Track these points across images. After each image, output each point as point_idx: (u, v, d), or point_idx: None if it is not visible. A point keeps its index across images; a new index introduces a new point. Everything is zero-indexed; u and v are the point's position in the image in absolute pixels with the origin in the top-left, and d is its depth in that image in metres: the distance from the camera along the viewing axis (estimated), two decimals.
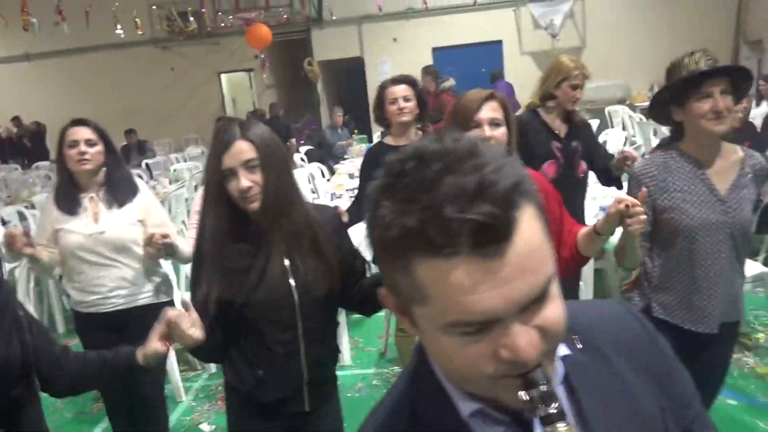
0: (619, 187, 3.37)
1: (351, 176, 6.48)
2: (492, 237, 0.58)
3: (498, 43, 12.97)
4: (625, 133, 8.83)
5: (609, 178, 3.28)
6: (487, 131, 1.83)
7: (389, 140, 3.18)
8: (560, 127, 3.11)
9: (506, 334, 0.61)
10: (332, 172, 7.82)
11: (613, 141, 7.77)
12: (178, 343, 1.56)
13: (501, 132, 1.86)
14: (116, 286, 2.59)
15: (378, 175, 0.64)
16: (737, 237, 2.02)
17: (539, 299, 0.62)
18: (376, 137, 9.43)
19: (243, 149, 1.63)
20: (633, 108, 10.72)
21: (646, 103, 9.61)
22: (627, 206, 1.67)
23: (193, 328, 1.55)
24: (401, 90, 3.03)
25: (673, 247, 2.06)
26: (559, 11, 12.19)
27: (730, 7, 12.42)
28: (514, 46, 12.92)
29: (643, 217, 1.69)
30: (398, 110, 3.02)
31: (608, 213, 1.73)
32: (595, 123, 9.02)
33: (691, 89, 1.95)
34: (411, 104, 3.03)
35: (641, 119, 9.09)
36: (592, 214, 4.06)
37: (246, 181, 1.63)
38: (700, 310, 2.06)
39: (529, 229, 0.61)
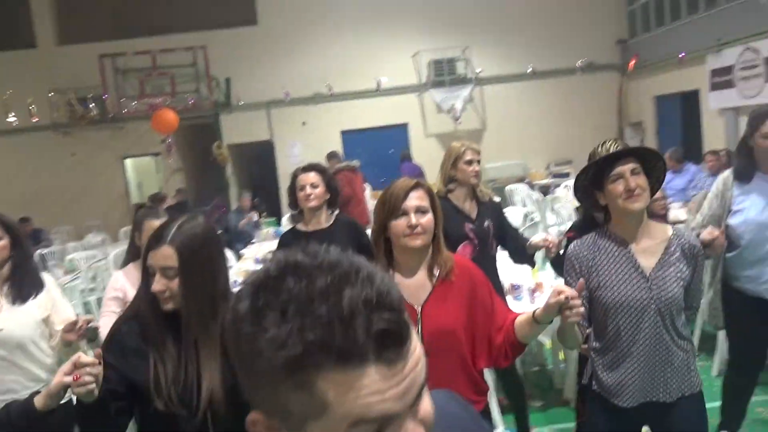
0: (532, 265, 3.51)
1: (257, 261, 6.37)
2: (395, 341, 0.62)
3: (404, 126, 13.47)
4: (525, 210, 9.23)
5: (521, 257, 3.40)
6: (414, 219, 1.91)
7: (300, 226, 3.32)
8: (471, 209, 3.25)
9: (402, 430, 0.64)
10: (239, 257, 7.68)
11: (513, 218, 8.09)
12: (75, 390, 1.53)
13: (428, 219, 1.94)
14: (7, 390, 2.40)
15: (242, 295, 0.63)
16: (665, 313, 2.08)
17: (421, 391, 0.66)
18: (285, 220, 9.41)
19: (166, 255, 1.67)
20: (531, 186, 11.29)
21: (544, 181, 10.24)
22: (566, 298, 1.72)
23: (94, 383, 1.52)
24: (309, 177, 3.21)
25: (604, 323, 2.16)
26: (459, 96, 12.86)
27: (613, 93, 13.56)
28: (420, 128, 13.46)
29: (581, 309, 1.76)
30: (305, 197, 3.18)
31: (548, 303, 1.78)
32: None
33: (605, 173, 2.09)
34: (318, 191, 3.19)
35: (539, 197, 9.56)
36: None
37: (159, 285, 1.67)
38: (619, 384, 2.13)
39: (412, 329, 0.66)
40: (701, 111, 11.18)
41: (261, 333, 0.60)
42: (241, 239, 8.46)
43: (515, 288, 3.93)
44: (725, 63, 10.14)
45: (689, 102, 11.50)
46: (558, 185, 10.44)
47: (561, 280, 2.37)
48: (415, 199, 1.94)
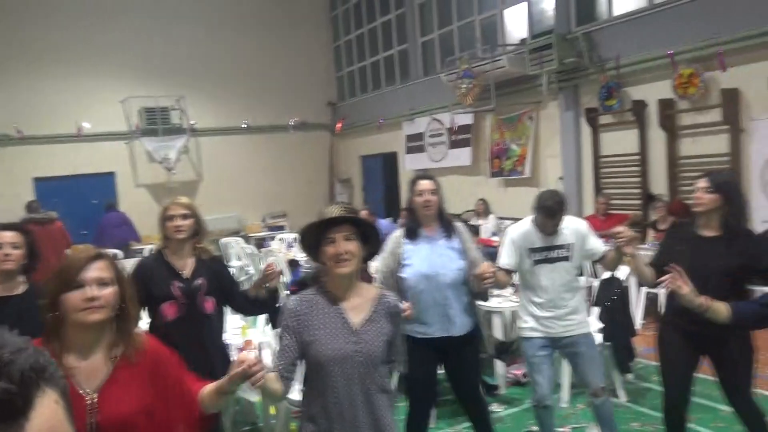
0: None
1: None
2: (5, 413, 0.59)
3: (111, 175, 12.50)
4: (240, 263, 9.16)
5: (250, 309, 3.46)
6: (89, 291, 1.72)
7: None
8: (186, 265, 3.13)
9: None
10: None
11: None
12: None
13: (108, 291, 1.76)
14: None
15: None
16: (369, 365, 2.21)
17: None
18: None
19: None
20: (247, 239, 11.29)
21: (260, 234, 10.18)
22: (249, 366, 1.80)
23: None
24: (7, 236, 2.89)
25: (314, 379, 2.22)
26: (173, 147, 12.42)
27: (325, 151, 14.43)
28: (129, 177, 12.62)
29: (261, 373, 1.84)
30: (3, 257, 2.87)
31: (232, 374, 1.81)
32: None
33: (323, 234, 2.20)
34: (17, 253, 2.88)
35: (254, 250, 9.58)
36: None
37: None
38: None
39: (49, 409, 0.62)
40: (399, 171, 12.49)
41: None
42: None
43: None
44: (417, 130, 11.54)
45: (389, 162, 12.76)
46: (273, 238, 10.60)
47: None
48: (96, 270, 1.76)
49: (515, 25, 9.67)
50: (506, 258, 3.53)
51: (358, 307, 2.28)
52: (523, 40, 9.02)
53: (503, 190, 9.83)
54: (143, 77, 12.36)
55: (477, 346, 3.50)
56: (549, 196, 3.48)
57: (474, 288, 3.38)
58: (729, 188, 3.10)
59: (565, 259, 3.49)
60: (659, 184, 7.40)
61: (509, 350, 4.85)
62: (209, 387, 1.91)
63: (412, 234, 3.41)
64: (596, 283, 4.94)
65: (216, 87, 12.97)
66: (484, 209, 9.23)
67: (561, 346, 3.53)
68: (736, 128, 6.51)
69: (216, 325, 3.25)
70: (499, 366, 4.81)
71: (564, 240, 3.49)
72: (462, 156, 10.48)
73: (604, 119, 8.06)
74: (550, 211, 3.40)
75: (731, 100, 6.48)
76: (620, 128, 7.87)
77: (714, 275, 2.90)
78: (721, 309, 2.55)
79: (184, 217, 3.13)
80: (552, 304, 3.48)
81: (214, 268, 3.26)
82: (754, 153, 6.32)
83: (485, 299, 3.82)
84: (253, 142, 13.49)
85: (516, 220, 9.05)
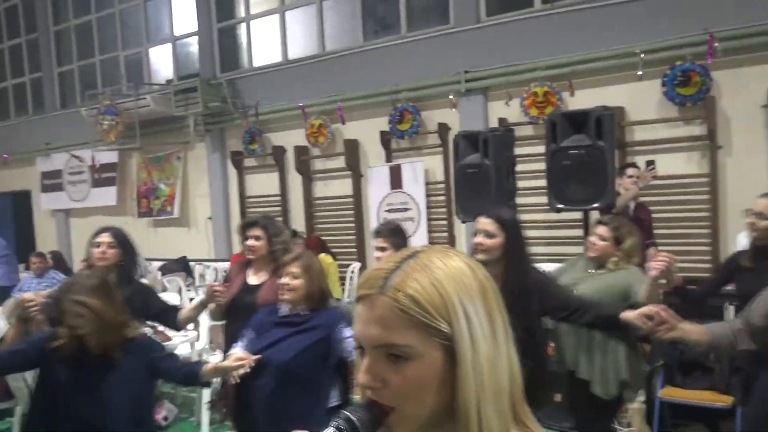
0: None
1: None
2: None
3: None
4: None
5: None
6: None
7: None
8: None
9: None
10: None
11: None
12: None
13: None
14: None
15: None
16: None
17: None
18: None
19: None
20: None
21: None
22: None
23: None
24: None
25: None
26: None
27: None
28: None
29: None
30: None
31: None
32: None
33: None
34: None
35: None
36: None
37: None
38: None
39: None
40: (34, 211, 11.19)
41: None
42: None
43: None
44: (55, 167, 10.53)
45: (21, 201, 11.37)
46: None
47: None
48: None
49: (162, 64, 9.62)
50: None
51: None
52: (169, 81, 9.02)
53: (153, 230, 9.57)
54: None
55: None
56: None
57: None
58: (126, 242, 3.41)
59: None
60: (299, 223, 8.06)
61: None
62: None
63: None
64: None
65: None
66: None
67: None
68: (357, 174, 7.52)
69: None
70: None
71: None
72: (107, 195, 9.90)
73: (249, 162, 8.51)
74: None
75: (352, 149, 7.48)
76: (263, 171, 8.40)
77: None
78: None
79: None
80: None
81: None
82: (371, 195, 7.37)
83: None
84: None
85: (166, 261, 8.89)
